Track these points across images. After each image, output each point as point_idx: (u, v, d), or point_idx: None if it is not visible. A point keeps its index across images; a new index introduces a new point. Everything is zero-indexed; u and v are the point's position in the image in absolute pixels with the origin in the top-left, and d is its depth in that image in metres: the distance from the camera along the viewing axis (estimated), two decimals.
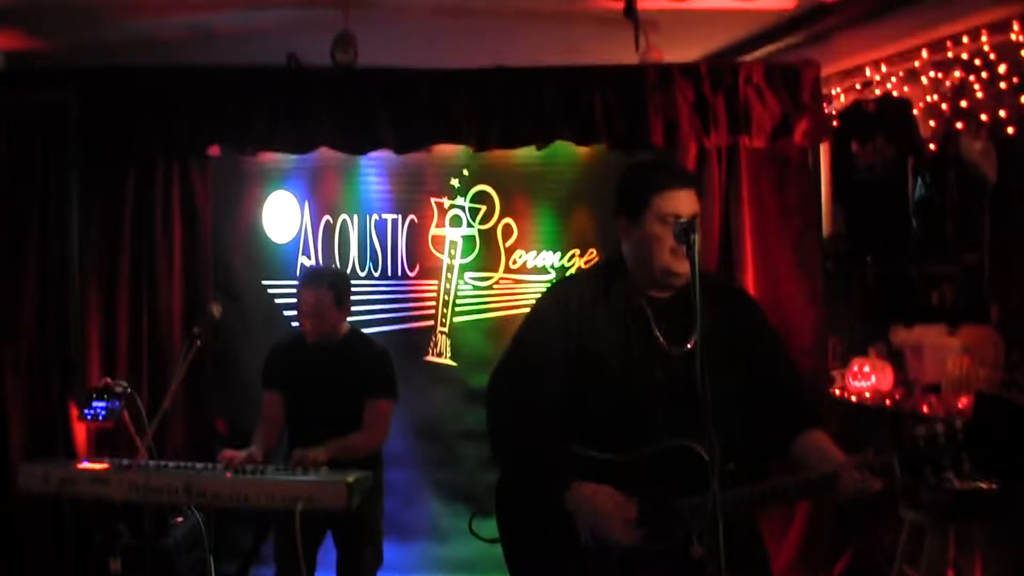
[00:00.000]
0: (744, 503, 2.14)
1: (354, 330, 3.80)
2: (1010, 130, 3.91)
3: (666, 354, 2.25)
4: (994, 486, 3.25)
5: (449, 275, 4.61)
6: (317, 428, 3.51)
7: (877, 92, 4.61)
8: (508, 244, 4.57)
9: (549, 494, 2.21)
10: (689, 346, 2.22)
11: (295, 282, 4.06)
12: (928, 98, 4.33)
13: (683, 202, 2.24)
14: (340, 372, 3.59)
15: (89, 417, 3.63)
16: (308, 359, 3.64)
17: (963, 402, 3.80)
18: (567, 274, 4.47)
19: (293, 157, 4.45)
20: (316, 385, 3.60)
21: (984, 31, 3.98)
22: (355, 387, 3.57)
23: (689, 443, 2.11)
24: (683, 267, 2.20)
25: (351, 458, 3.43)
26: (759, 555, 2.36)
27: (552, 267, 4.55)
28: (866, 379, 4.41)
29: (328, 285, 3.59)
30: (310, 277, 3.69)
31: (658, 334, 2.26)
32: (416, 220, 4.61)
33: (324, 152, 4.33)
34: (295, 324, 3.92)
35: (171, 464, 3.42)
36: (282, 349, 3.77)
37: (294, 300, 3.81)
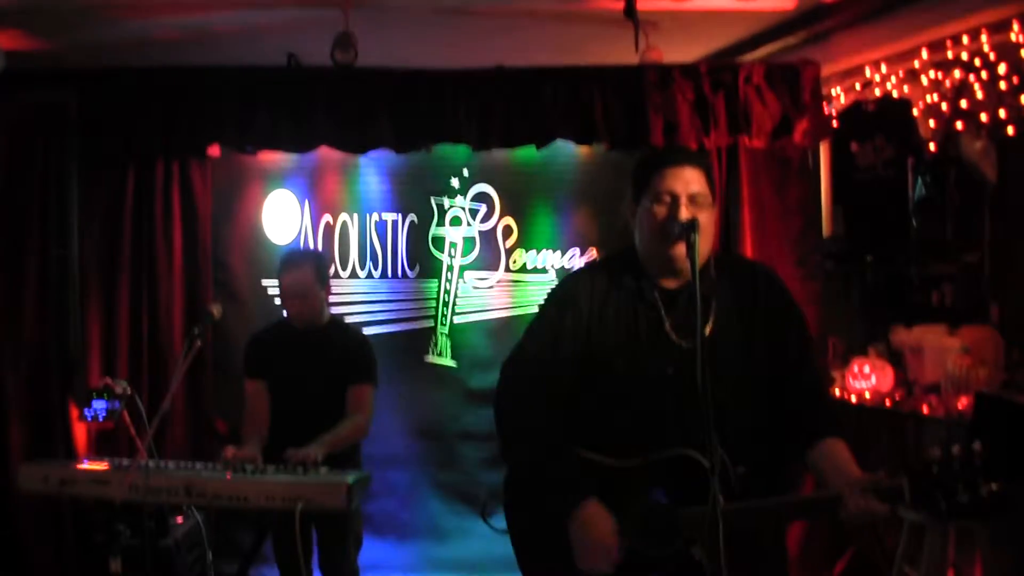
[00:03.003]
0: (745, 518, 2.04)
1: (336, 317, 3.79)
2: (1010, 130, 3.92)
3: (677, 347, 2.17)
4: (994, 487, 3.24)
5: (449, 275, 4.61)
6: (301, 414, 3.50)
7: (877, 92, 4.61)
8: (508, 244, 4.57)
9: (556, 510, 2.15)
10: (705, 334, 2.11)
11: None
12: (928, 98, 4.34)
13: (679, 178, 2.17)
14: (325, 357, 3.57)
15: (89, 417, 3.62)
16: (292, 345, 3.61)
17: (963, 402, 3.80)
18: (570, 272, 4.47)
19: (293, 157, 4.46)
20: (301, 371, 3.57)
21: (984, 31, 3.98)
22: (339, 372, 3.56)
23: (691, 453, 2.04)
24: (677, 251, 2.14)
25: (342, 447, 3.43)
26: (773, 561, 2.26)
27: (552, 267, 4.54)
28: (866, 379, 4.41)
29: (308, 265, 3.57)
30: (290, 260, 3.64)
31: (668, 326, 2.19)
32: (416, 220, 4.61)
33: (324, 152, 4.33)
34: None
35: (171, 464, 3.42)
36: (264, 337, 3.73)
37: (277, 286, 3.74)
